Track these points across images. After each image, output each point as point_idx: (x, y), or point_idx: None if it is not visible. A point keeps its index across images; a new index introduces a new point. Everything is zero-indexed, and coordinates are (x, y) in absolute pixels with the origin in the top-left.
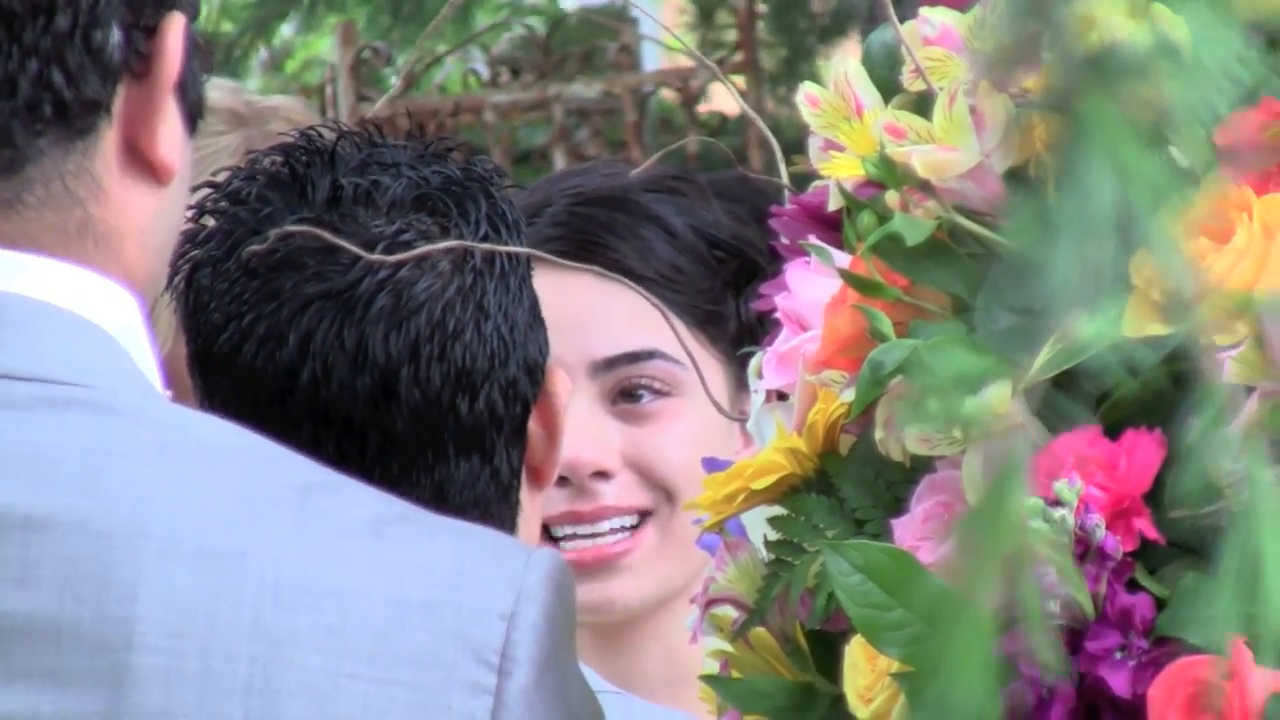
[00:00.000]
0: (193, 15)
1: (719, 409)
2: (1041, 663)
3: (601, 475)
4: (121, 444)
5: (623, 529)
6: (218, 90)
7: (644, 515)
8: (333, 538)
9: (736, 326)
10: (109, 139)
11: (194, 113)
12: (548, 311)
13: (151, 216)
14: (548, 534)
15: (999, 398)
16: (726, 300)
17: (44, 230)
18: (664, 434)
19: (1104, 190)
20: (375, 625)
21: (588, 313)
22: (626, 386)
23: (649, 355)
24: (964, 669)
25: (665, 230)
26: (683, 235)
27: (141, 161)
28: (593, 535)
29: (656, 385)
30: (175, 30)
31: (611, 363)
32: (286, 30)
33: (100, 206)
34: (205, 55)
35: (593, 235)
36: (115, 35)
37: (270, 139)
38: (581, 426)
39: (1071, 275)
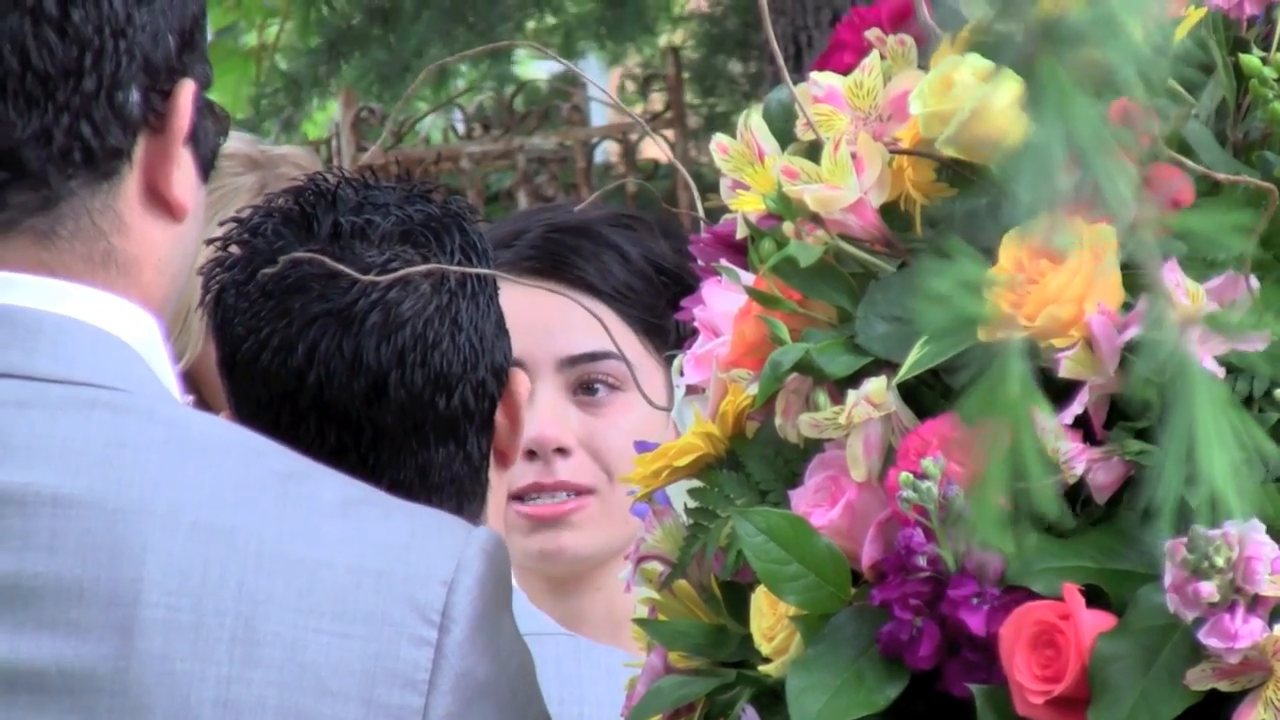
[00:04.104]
0: (204, 85)
1: (648, 400)
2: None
3: (561, 452)
4: (134, 438)
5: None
6: (237, 141)
7: (590, 492)
8: (305, 516)
9: (677, 337)
10: (131, 182)
11: (206, 163)
12: (524, 317)
13: (168, 247)
14: (518, 500)
15: (876, 389)
16: (668, 315)
17: (75, 258)
18: (612, 424)
19: (1055, 134)
20: (338, 588)
21: (556, 319)
22: (585, 380)
23: (605, 355)
24: (983, 517)
25: (621, 256)
26: (635, 261)
27: (160, 201)
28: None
29: (610, 380)
30: (186, 94)
31: (574, 360)
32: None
33: (122, 238)
34: (218, 119)
35: (562, 257)
36: (134, 96)
37: (280, 180)
38: (547, 410)
39: (1033, 199)
